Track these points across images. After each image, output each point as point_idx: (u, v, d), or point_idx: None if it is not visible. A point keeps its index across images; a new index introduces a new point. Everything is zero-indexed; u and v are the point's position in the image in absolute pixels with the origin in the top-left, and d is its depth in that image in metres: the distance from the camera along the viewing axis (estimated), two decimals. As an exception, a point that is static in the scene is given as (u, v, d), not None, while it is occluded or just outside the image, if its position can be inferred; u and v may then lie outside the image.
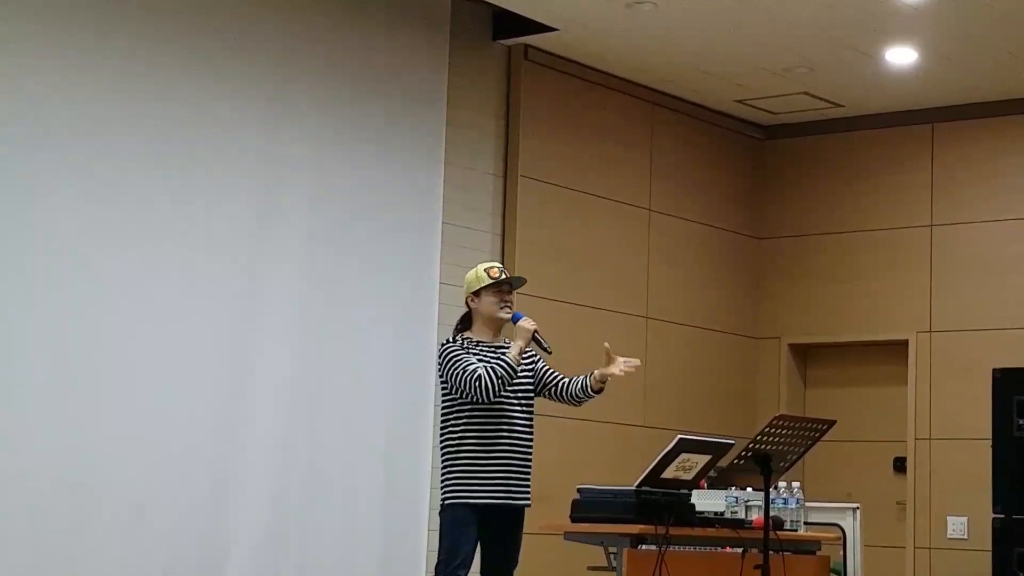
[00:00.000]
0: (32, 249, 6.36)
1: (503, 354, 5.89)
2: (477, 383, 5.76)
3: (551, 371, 6.08)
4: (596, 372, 6.02)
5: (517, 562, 6.00)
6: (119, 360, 6.61)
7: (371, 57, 7.81)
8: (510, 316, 5.97)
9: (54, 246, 6.43)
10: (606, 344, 6.09)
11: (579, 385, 6.03)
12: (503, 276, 5.97)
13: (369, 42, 7.80)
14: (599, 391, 6.04)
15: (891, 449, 9.65)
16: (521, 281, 6.12)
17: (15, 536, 6.20)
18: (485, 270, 5.99)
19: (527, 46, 8.61)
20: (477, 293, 5.98)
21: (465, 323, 6.06)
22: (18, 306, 6.29)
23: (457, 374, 5.80)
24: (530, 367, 6.02)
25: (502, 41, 8.56)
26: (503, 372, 5.80)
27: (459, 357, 5.84)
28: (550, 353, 6.01)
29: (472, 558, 5.86)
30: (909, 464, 9.44)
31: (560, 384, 6.04)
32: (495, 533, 5.90)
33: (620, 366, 6.00)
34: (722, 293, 9.90)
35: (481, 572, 5.98)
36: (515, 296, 6.15)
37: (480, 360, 5.83)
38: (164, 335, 6.79)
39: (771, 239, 10.13)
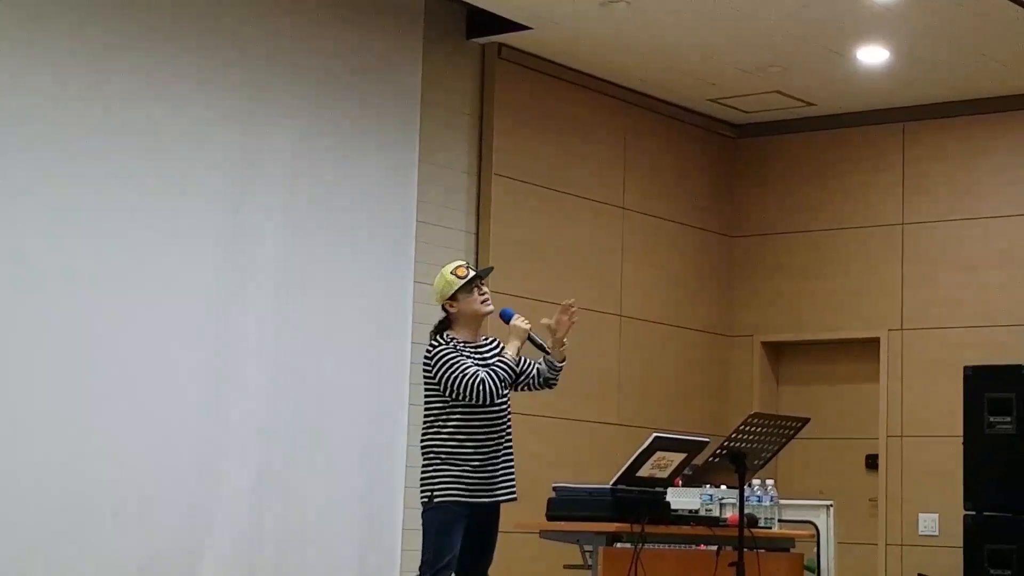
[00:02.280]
0: (18, 242, 6.37)
1: (490, 354, 5.86)
2: (480, 386, 5.70)
3: (526, 361, 6.02)
4: (548, 342, 5.96)
5: (492, 559, 5.98)
6: (98, 356, 6.61)
7: (345, 55, 7.80)
8: (492, 309, 5.93)
9: (40, 241, 6.44)
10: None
11: (545, 365, 5.99)
12: (471, 272, 5.91)
13: (343, 40, 7.79)
14: (563, 360, 5.97)
15: (863, 446, 9.70)
16: (488, 270, 6.11)
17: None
18: (452, 272, 5.91)
19: (501, 44, 8.62)
20: (454, 297, 5.90)
21: (444, 325, 5.98)
22: (7, 302, 6.30)
23: (455, 377, 5.72)
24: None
25: (476, 40, 8.56)
26: (505, 375, 5.78)
27: (454, 360, 5.76)
28: (548, 353, 5.97)
29: (457, 551, 5.79)
30: (881, 461, 9.49)
31: (532, 371, 5.99)
32: (475, 530, 5.85)
33: (557, 316, 5.93)
34: (695, 291, 9.93)
35: (456, 570, 5.96)
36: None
37: (473, 362, 5.81)
38: (148, 328, 6.80)
39: (744, 237, 10.16)
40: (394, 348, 7.90)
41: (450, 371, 5.73)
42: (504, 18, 8.23)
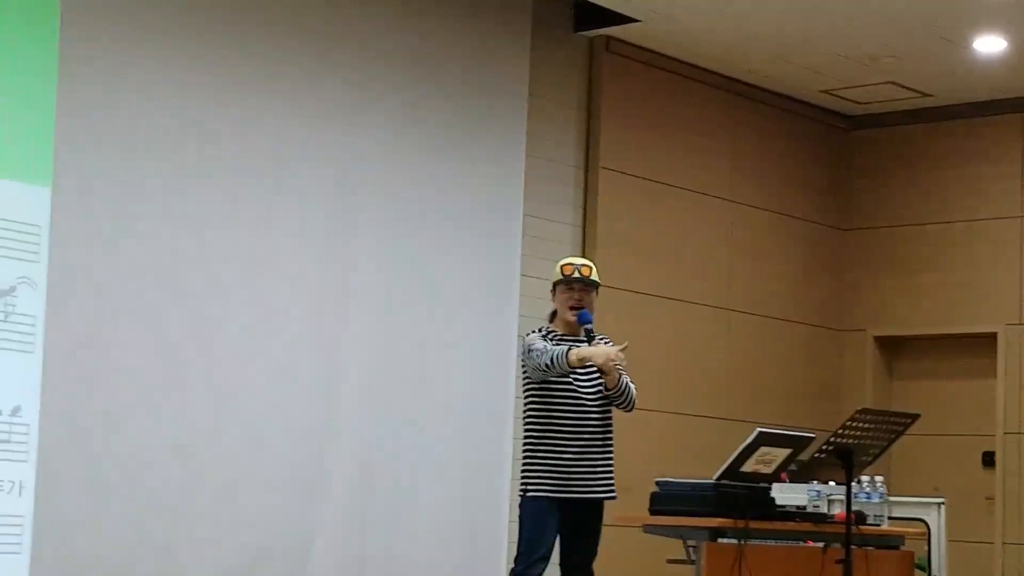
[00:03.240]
0: (131, 238, 6.49)
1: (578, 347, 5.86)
2: (538, 358, 5.75)
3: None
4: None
5: (596, 554, 5.98)
6: (211, 346, 6.72)
7: (452, 51, 7.83)
8: (571, 317, 5.92)
9: (148, 238, 6.55)
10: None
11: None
12: (575, 274, 5.92)
13: (451, 35, 7.82)
14: (613, 387, 5.88)
15: (980, 443, 9.51)
16: (593, 283, 5.99)
17: (109, 521, 6.32)
18: (561, 266, 5.99)
19: (608, 37, 8.58)
20: (553, 288, 6.01)
21: (553, 316, 6.07)
22: (115, 295, 6.42)
23: (531, 355, 5.81)
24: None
25: (583, 33, 8.54)
26: (557, 361, 5.73)
27: (534, 344, 5.85)
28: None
29: (551, 551, 5.85)
30: (998, 458, 9.31)
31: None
32: (575, 525, 5.89)
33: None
34: (806, 285, 9.81)
35: (560, 564, 5.98)
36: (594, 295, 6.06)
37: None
38: (254, 323, 6.89)
39: (857, 230, 10.01)
40: (500, 341, 7.91)
41: (529, 353, 5.82)
42: (611, 11, 8.19)
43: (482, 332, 7.90)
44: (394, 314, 7.49)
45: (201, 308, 6.70)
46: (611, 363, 5.75)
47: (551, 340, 5.91)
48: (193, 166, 6.73)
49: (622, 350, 5.82)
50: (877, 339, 9.89)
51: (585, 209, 8.56)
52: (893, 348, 9.97)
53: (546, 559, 5.82)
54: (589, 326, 5.89)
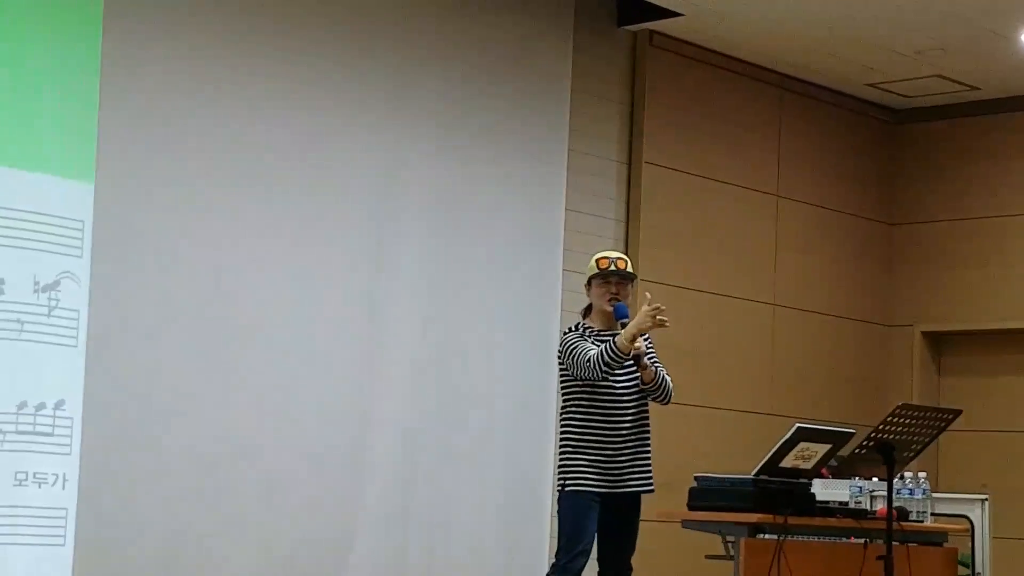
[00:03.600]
0: (173, 234, 6.55)
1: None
2: (587, 364, 5.77)
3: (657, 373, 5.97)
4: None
5: (634, 548, 5.99)
6: (253, 342, 6.77)
7: (495, 44, 7.84)
8: (610, 308, 5.92)
9: (190, 235, 6.61)
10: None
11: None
12: (611, 267, 5.93)
13: (493, 29, 7.83)
14: (649, 381, 5.87)
15: (1028, 440, 9.44)
16: (629, 275, 6.00)
17: (151, 513, 6.38)
18: (596, 259, 6.01)
19: (652, 32, 8.56)
20: (589, 282, 6.02)
21: (587, 311, 6.09)
22: (158, 291, 6.48)
23: (576, 358, 5.82)
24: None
25: (627, 27, 8.52)
26: (609, 355, 5.75)
27: (575, 344, 5.87)
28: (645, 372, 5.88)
29: (592, 544, 5.87)
30: (1048, 455, 9.23)
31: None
32: (613, 519, 5.91)
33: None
34: (853, 280, 9.75)
35: (598, 558, 5.99)
36: (633, 288, 6.07)
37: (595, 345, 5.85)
38: (297, 318, 6.93)
39: (904, 225, 9.94)
40: (542, 336, 7.91)
41: (572, 355, 5.83)
42: (655, 5, 8.17)
43: (524, 327, 7.90)
44: (436, 311, 7.51)
45: (243, 304, 6.75)
46: (648, 320, 5.69)
47: (589, 337, 5.91)
48: (236, 163, 6.77)
49: (653, 309, 5.74)
50: (924, 334, 9.82)
51: (628, 204, 8.54)
52: (941, 343, 9.89)
53: (587, 553, 5.84)
54: (626, 320, 5.88)
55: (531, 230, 7.98)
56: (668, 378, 5.96)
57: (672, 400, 6.02)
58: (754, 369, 9.11)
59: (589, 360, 5.77)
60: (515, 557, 7.71)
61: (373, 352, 7.24)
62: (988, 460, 9.58)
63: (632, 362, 5.80)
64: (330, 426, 7.04)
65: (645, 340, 5.92)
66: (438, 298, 7.52)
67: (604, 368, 5.77)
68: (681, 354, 8.53)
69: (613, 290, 5.94)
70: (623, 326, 5.85)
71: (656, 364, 5.93)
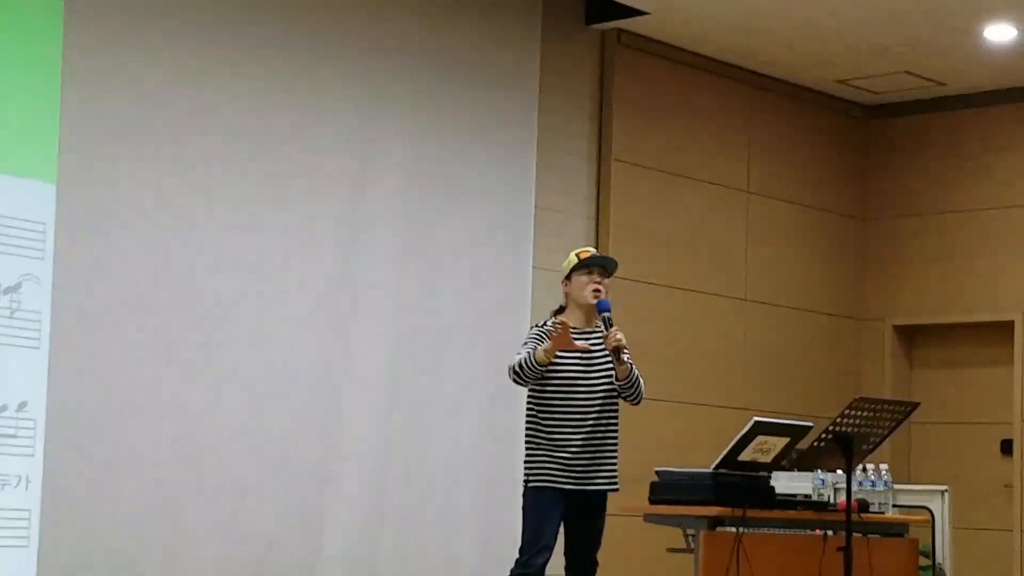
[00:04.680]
0: (136, 234, 6.58)
1: (591, 341, 5.87)
2: (509, 367, 5.76)
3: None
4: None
5: (600, 545, 6.00)
6: (219, 341, 6.81)
7: (463, 43, 7.89)
8: (593, 300, 5.86)
9: (158, 231, 6.64)
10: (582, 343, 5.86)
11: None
12: (593, 257, 5.90)
13: (461, 27, 7.88)
14: (624, 378, 5.81)
15: (998, 431, 9.50)
16: (613, 263, 5.98)
17: (116, 513, 6.42)
18: (576, 253, 5.95)
19: (620, 30, 8.62)
20: (568, 276, 5.94)
21: (560, 308, 6.05)
22: (121, 291, 6.51)
23: (514, 358, 5.81)
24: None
25: (595, 26, 8.58)
26: (526, 365, 5.71)
27: (526, 342, 5.86)
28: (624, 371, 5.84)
29: (554, 540, 5.88)
30: (1016, 446, 9.29)
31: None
32: (578, 516, 5.92)
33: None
34: (824, 275, 9.82)
35: (565, 555, 6.01)
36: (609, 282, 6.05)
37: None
38: (263, 317, 6.98)
39: (874, 220, 10.01)
40: (513, 333, 7.91)
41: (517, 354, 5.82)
42: (622, 4, 8.23)
43: (495, 324, 7.95)
44: (406, 306, 7.55)
45: (207, 303, 6.78)
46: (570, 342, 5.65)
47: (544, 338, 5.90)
48: (199, 162, 6.81)
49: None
50: (896, 328, 9.89)
51: (598, 201, 8.60)
52: (911, 337, 9.97)
53: (549, 548, 5.83)
54: (607, 314, 5.82)
55: (501, 228, 8.03)
56: (641, 379, 5.93)
57: (643, 400, 6.00)
58: (725, 364, 9.17)
59: (512, 365, 5.76)
60: (487, 554, 7.75)
61: (341, 351, 7.28)
62: (958, 452, 9.66)
63: (610, 358, 5.77)
64: (299, 424, 7.07)
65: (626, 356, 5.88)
66: (408, 297, 7.57)
67: (514, 376, 5.74)
68: (652, 350, 8.61)
69: (597, 278, 5.86)
70: (604, 321, 5.81)
71: (631, 363, 5.90)
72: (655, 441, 8.44)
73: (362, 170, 7.43)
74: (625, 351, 5.79)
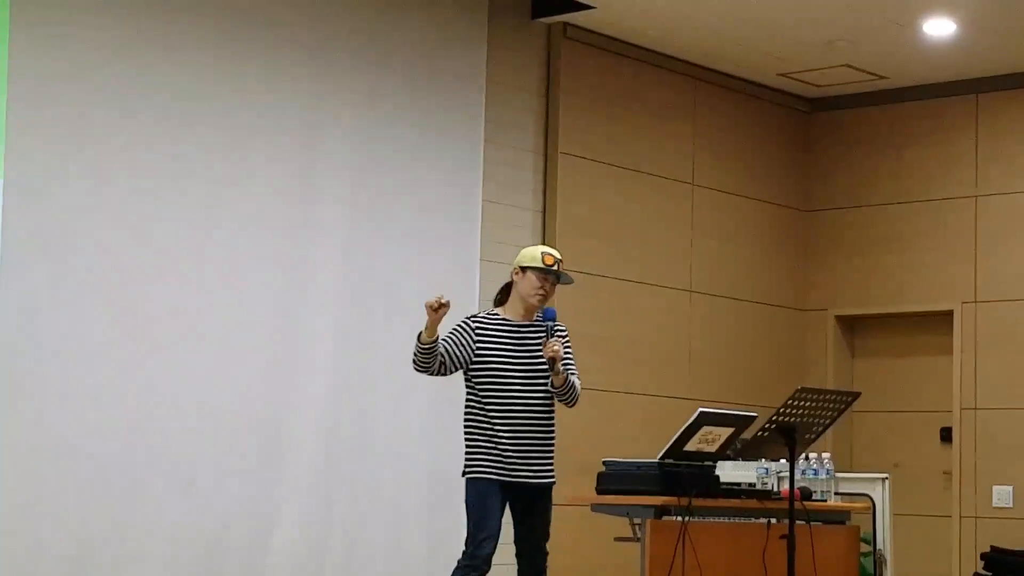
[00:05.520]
0: (84, 227, 6.59)
1: (532, 338, 5.95)
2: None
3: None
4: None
5: (548, 533, 6.06)
6: (168, 332, 6.82)
7: (410, 36, 7.92)
8: (540, 306, 5.98)
9: (107, 222, 6.64)
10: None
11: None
12: (555, 266, 5.96)
13: (408, 21, 7.91)
14: (559, 386, 5.91)
15: (938, 419, 9.67)
16: (568, 279, 6.06)
17: (66, 511, 6.43)
18: (543, 254, 6.00)
19: (566, 24, 8.69)
20: (524, 269, 6.00)
21: (504, 295, 6.11)
22: (71, 280, 6.51)
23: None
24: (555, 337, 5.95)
25: (541, 19, 8.64)
26: (417, 350, 5.84)
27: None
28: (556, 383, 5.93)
29: (498, 529, 5.90)
30: (955, 434, 9.45)
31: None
32: (522, 506, 5.98)
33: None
34: (768, 266, 9.94)
35: (515, 542, 6.05)
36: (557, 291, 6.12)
37: (494, 339, 5.92)
38: (211, 310, 7.00)
39: (817, 211, 10.16)
40: (460, 325, 8.01)
41: None
42: (568, -2, 8.32)
43: (444, 318, 7.98)
44: (354, 300, 7.59)
45: (156, 294, 6.79)
46: (430, 311, 5.80)
47: (488, 328, 5.98)
48: (148, 155, 6.81)
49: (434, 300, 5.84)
50: (838, 318, 10.04)
51: (545, 194, 8.68)
52: (853, 327, 10.12)
53: (493, 538, 5.87)
54: (552, 324, 5.94)
55: (449, 221, 8.08)
56: (578, 384, 5.99)
57: (577, 403, 6.06)
58: (671, 355, 9.28)
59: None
60: (436, 547, 7.78)
61: (291, 343, 7.31)
62: (899, 440, 9.82)
63: (547, 364, 5.86)
64: (248, 415, 7.10)
65: (565, 345, 5.95)
66: (356, 288, 7.60)
67: (414, 364, 5.86)
68: (599, 341, 8.71)
69: (546, 288, 5.97)
70: (548, 329, 5.90)
71: (570, 371, 5.96)
72: (603, 432, 8.54)
73: (307, 163, 7.45)
74: (563, 361, 5.89)
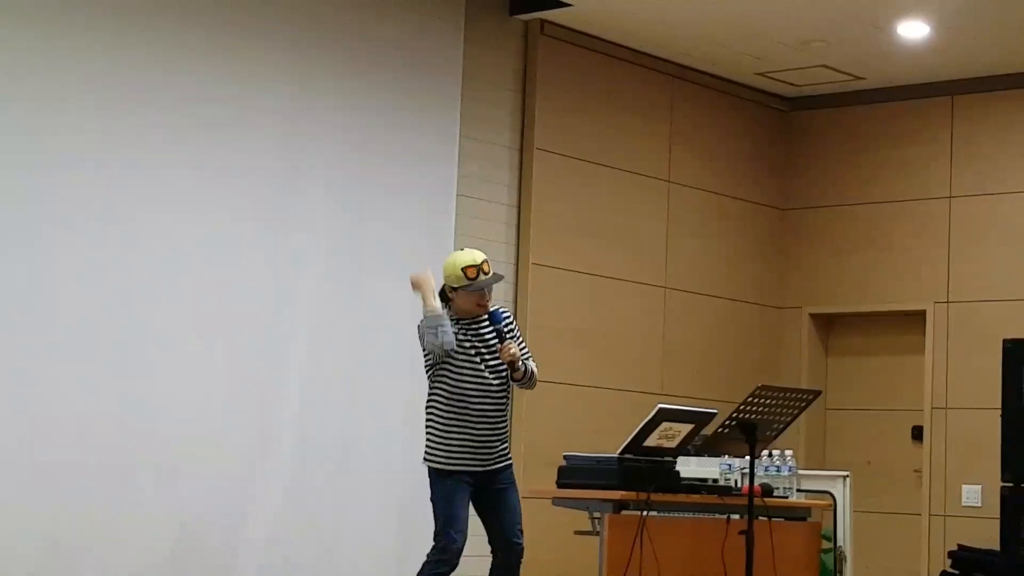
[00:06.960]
0: (69, 217, 6.62)
1: (486, 329, 6.00)
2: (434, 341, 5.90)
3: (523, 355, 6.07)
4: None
5: (520, 518, 6.03)
6: (146, 325, 6.85)
7: (387, 32, 7.95)
8: (484, 312, 5.99)
9: (81, 211, 6.67)
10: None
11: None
12: (479, 277, 5.91)
13: (385, 17, 7.94)
14: (519, 379, 5.98)
15: (909, 418, 9.74)
16: (498, 278, 6.03)
17: (37, 505, 6.46)
18: (463, 268, 5.93)
19: (543, 21, 8.74)
20: (455, 289, 5.97)
21: (445, 297, 6.07)
22: (46, 271, 6.54)
23: (424, 338, 5.95)
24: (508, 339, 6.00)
25: (519, 16, 8.69)
26: (430, 324, 5.86)
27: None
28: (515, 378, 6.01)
29: (465, 517, 5.92)
30: (926, 433, 9.52)
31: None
32: (489, 496, 6.01)
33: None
34: (744, 263, 10.00)
35: (489, 541, 6.06)
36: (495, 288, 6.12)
37: (459, 335, 5.96)
38: (191, 304, 7.04)
39: (793, 210, 10.22)
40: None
41: (423, 335, 5.95)
42: (546, -6, 8.37)
43: (417, 312, 8.02)
44: (331, 295, 7.63)
45: (136, 286, 6.82)
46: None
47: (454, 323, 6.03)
48: (113, 158, 6.81)
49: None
50: (812, 316, 10.11)
51: (520, 190, 8.73)
52: (828, 325, 10.19)
53: (463, 532, 5.90)
54: (500, 323, 5.97)
55: (424, 217, 8.10)
56: (533, 365, 6.04)
57: (537, 384, 6.14)
58: (646, 351, 9.33)
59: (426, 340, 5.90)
60: (411, 544, 7.80)
61: (270, 336, 7.35)
62: (871, 437, 9.89)
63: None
64: (225, 409, 7.13)
65: (513, 335, 5.99)
66: (333, 284, 7.64)
67: (439, 336, 5.83)
68: (573, 336, 8.77)
69: (485, 299, 5.97)
70: (499, 333, 5.93)
71: (525, 357, 6.01)
72: (578, 427, 8.60)
73: (284, 158, 7.49)
74: (522, 350, 5.96)
